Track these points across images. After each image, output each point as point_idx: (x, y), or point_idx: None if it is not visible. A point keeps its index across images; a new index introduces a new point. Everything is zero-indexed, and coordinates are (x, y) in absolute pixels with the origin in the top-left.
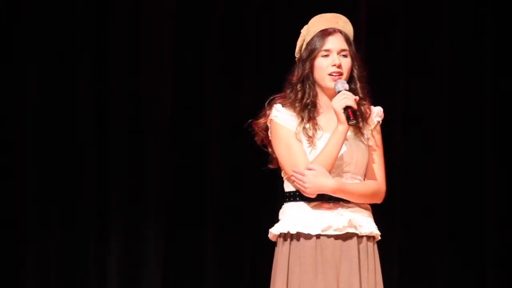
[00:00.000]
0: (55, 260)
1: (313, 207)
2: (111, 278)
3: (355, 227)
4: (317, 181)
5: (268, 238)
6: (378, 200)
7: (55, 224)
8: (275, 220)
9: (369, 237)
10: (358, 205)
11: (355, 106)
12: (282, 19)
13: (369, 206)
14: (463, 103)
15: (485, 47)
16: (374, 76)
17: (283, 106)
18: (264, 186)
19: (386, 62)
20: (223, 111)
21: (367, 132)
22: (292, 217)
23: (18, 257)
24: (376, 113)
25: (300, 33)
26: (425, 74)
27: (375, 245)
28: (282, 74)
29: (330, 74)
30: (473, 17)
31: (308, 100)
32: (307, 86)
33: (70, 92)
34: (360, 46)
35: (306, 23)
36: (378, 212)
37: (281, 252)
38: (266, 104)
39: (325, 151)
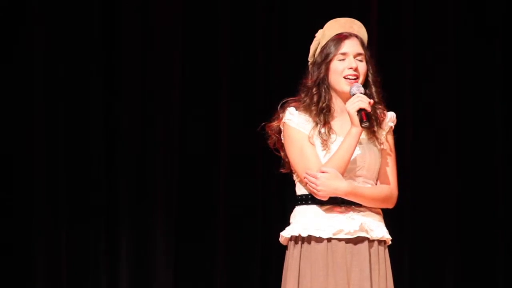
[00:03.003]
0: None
1: (324, 210)
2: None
3: (367, 231)
4: (330, 184)
5: (279, 241)
6: (390, 205)
7: (65, 222)
8: (286, 223)
9: (380, 242)
10: (370, 209)
11: (369, 109)
12: (291, 19)
13: (380, 211)
14: (472, 104)
15: (494, 47)
16: (383, 79)
17: (296, 110)
18: (275, 189)
19: (395, 64)
20: (232, 111)
21: (380, 136)
22: (304, 221)
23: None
24: (389, 118)
25: (314, 37)
26: (434, 76)
27: (386, 250)
28: (291, 76)
29: (346, 77)
30: (480, 18)
31: (324, 104)
32: (323, 90)
33: (80, 94)
34: (372, 47)
35: (317, 24)
36: (389, 216)
37: (292, 256)
38: (279, 107)
39: (338, 154)
